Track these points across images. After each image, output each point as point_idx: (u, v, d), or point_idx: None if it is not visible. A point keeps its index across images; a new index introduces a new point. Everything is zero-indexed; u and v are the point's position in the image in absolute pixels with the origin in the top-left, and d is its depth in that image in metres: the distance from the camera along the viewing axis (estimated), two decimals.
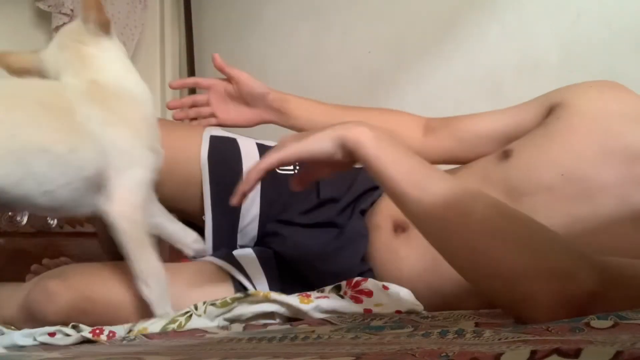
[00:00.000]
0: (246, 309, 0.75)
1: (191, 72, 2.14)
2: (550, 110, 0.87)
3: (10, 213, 1.36)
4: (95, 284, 0.85)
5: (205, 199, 0.95)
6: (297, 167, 0.93)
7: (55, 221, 1.41)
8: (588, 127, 0.80)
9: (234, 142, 0.98)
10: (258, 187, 0.90)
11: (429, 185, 0.61)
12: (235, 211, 0.95)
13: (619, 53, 1.22)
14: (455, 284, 0.82)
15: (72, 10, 1.86)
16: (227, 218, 0.96)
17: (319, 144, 0.67)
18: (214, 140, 0.97)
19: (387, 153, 0.64)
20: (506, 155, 0.85)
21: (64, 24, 1.85)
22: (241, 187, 0.72)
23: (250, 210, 0.97)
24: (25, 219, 1.38)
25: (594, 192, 0.76)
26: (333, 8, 1.78)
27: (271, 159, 0.70)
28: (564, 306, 0.50)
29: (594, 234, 0.73)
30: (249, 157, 0.96)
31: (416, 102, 1.55)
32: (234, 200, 0.73)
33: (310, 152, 0.68)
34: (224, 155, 0.96)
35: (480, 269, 0.57)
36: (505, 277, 0.54)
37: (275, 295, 0.75)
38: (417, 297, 0.82)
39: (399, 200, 0.64)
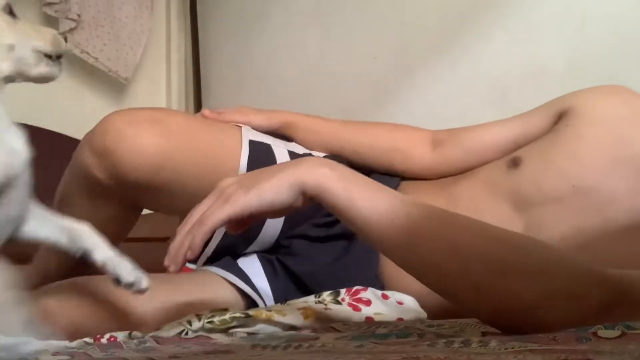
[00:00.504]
0: (246, 328, 0.74)
1: (197, 77, 2.15)
2: (559, 117, 0.86)
3: None
4: (94, 301, 0.84)
5: None
6: None
7: None
8: (597, 135, 0.79)
9: (269, 148, 0.95)
10: None
11: (415, 228, 0.54)
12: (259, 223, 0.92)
13: (624, 60, 1.21)
14: None
15: (78, 15, 1.87)
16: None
17: (275, 195, 0.58)
18: (252, 145, 0.93)
19: (360, 196, 0.56)
20: (515, 163, 0.84)
21: (71, 29, 1.86)
22: (181, 251, 0.60)
23: (274, 223, 0.93)
24: None
25: (604, 204, 0.75)
26: (338, 14, 1.79)
27: (219, 215, 0.59)
28: (576, 323, 0.49)
29: (603, 246, 0.73)
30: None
31: (421, 108, 1.55)
32: (171, 268, 0.61)
33: (265, 205, 0.59)
34: (261, 165, 0.91)
35: (488, 306, 0.52)
36: (516, 309, 0.51)
37: (278, 317, 0.73)
38: (424, 307, 0.81)
39: (382, 247, 0.58)
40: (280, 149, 0.95)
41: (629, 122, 0.80)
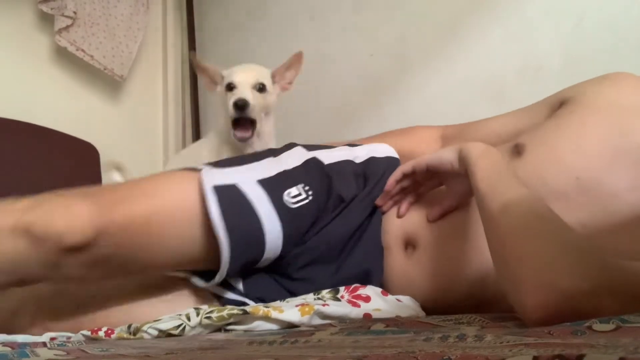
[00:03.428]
0: (244, 325, 0.74)
1: (193, 74, 2.15)
2: (560, 105, 0.85)
3: None
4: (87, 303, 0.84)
5: (223, 258, 0.81)
6: (310, 196, 0.87)
7: None
8: (600, 124, 0.78)
9: (235, 188, 0.84)
10: (279, 229, 0.83)
11: (501, 191, 0.65)
12: (257, 253, 0.85)
13: (621, 56, 1.21)
14: (464, 299, 0.81)
15: (74, 12, 1.86)
16: (245, 262, 0.85)
17: (445, 154, 0.80)
18: (217, 190, 0.82)
19: (484, 162, 0.72)
20: (518, 151, 0.83)
21: (67, 26, 1.86)
22: (386, 189, 0.89)
23: (273, 249, 0.85)
24: None
25: (607, 198, 0.74)
26: (335, 11, 1.79)
27: (407, 165, 0.87)
28: (559, 303, 0.51)
29: (607, 240, 0.72)
30: (258, 198, 0.84)
31: (418, 104, 1.55)
32: (384, 208, 0.91)
33: (437, 159, 0.82)
34: (237, 208, 0.82)
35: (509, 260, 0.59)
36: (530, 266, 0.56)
37: (275, 314, 0.73)
38: (425, 309, 0.81)
39: (478, 200, 0.69)
40: (248, 185, 0.85)
41: (632, 112, 0.78)
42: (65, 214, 0.75)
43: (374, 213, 0.93)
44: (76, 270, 0.76)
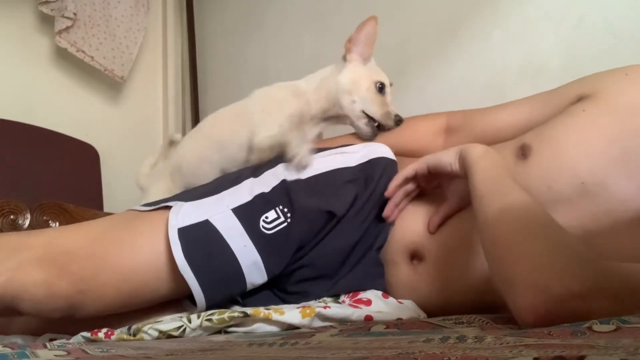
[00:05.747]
0: (244, 327, 0.74)
1: (193, 75, 2.15)
2: (578, 99, 0.82)
3: (12, 216, 1.36)
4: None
5: (197, 300, 0.81)
6: (289, 219, 0.84)
7: (57, 224, 1.41)
8: (612, 126, 0.75)
9: (206, 224, 0.82)
10: (258, 259, 0.82)
11: (499, 194, 0.65)
12: (238, 285, 0.83)
13: (622, 58, 1.21)
14: (470, 307, 0.78)
15: (75, 14, 1.86)
16: (226, 295, 0.84)
17: (444, 156, 0.81)
18: (183, 233, 0.81)
19: (483, 164, 0.72)
20: (524, 154, 0.81)
21: (67, 27, 1.86)
22: (389, 197, 0.87)
23: (256, 278, 0.83)
24: (27, 222, 1.39)
25: (612, 204, 0.73)
26: (335, 12, 1.79)
27: (408, 169, 0.86)
28: (550, 305, 0.51)
29: (610, 246, 0.70)
30: (231, 231, 0.82)
31: (418, 106, 1.54)
32: (392, 218, 0.87)
33: (437, 161, 0.82)
34: (202, 245, 0.81)
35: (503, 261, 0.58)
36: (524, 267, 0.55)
37: (276, 316, 0.73)
38: (429, 315, 0.80)
39: (475, 202, 0.68)
40: (221, 217, 0.82)
41: None
42: (37, 289, 0.76)
43: (378, 224, 0.89)
44: (57, 313, 0.78)
